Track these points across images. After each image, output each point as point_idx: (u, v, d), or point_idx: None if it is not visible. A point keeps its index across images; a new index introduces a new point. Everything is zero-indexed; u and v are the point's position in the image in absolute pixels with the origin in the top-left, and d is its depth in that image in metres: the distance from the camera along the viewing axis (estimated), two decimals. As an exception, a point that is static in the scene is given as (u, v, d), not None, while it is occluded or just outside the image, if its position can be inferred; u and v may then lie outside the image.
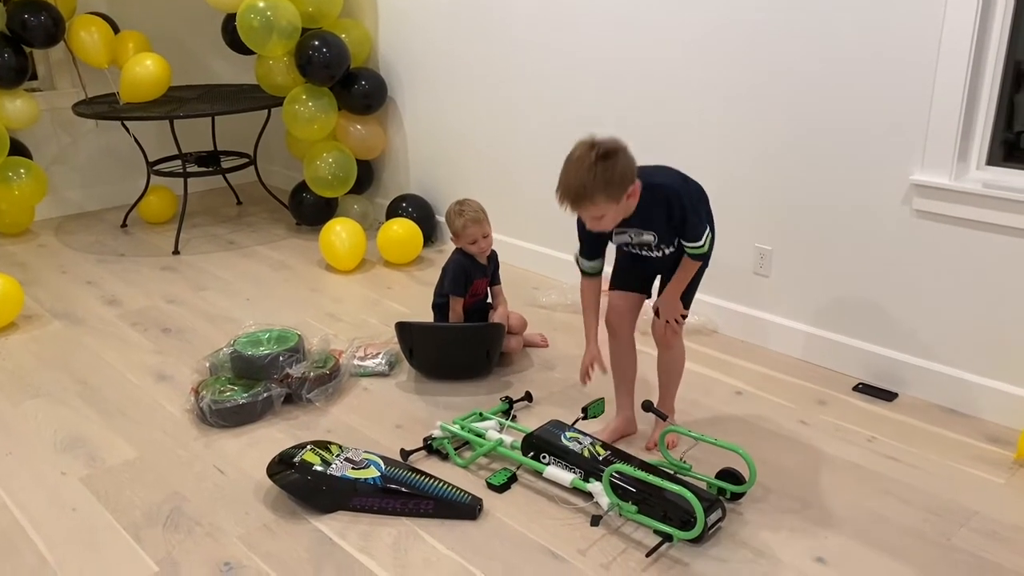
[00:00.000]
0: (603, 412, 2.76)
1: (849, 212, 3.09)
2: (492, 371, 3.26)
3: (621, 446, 2.65)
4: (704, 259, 2.48)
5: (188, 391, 3.03)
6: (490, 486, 2.53)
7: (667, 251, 2.50)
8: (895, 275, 3.03)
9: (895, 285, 3.04)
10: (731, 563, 2.22)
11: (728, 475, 2.46)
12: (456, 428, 2.75)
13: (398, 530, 2.37)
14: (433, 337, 3.19)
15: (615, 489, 2.34)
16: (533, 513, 2.44)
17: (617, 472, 2.31)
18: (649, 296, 2.70)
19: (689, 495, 2.18)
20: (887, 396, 3.06)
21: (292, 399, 3.02)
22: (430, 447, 2.72)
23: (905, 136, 2.88)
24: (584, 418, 2.73)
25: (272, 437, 2.84)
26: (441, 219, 4.76)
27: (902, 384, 3.08)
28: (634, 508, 2.31)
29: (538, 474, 2.54)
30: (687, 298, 2.58)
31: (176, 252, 4.66)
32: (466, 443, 2.74)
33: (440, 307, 3.36)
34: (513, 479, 2.56)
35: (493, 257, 3.39)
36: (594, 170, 2.13)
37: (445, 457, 2.71)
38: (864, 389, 3.12)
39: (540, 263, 4.29)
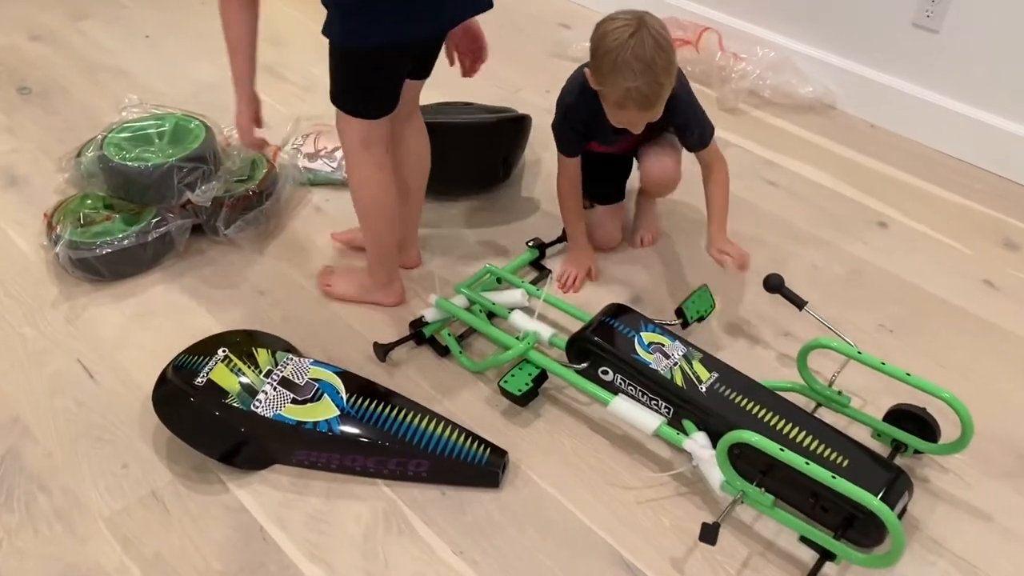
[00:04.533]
0: (712, 310, 1.75)
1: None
2: (509, 181, 2.16)
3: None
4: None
5: (43, 217, 1.94)
6: (505, 393, 1.58)
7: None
8: None
9: None
10: (926, 593, 1.34)
11: (907, 417, 1.51)
12: (460, 304, 1.73)
13: (372, 509, 1.44)
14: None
15: (732, 454, 1.39)
16: (588, 472, 1.50)
17: (741, 443, 1.33)
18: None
19: (881, 508, 1.23)
20: (1107, 235, 2.04)
21: (204, 231, 1.96)
22: (420, 336, 1.72)
23: None
24: (683, 323, 1.72)
25: (171, 304, 1.82)
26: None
27: None
28: (769, 500, 1.37)
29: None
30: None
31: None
32: (475, 330, 1.73)
33: None
34: (542, 379, 1.61)
35: None
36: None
37: (445, 352, 1.72)
38: (1070, 220, 2.08)
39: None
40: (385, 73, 1.54)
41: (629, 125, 1.66)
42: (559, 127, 1.81)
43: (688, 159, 1.84)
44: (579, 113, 1.75)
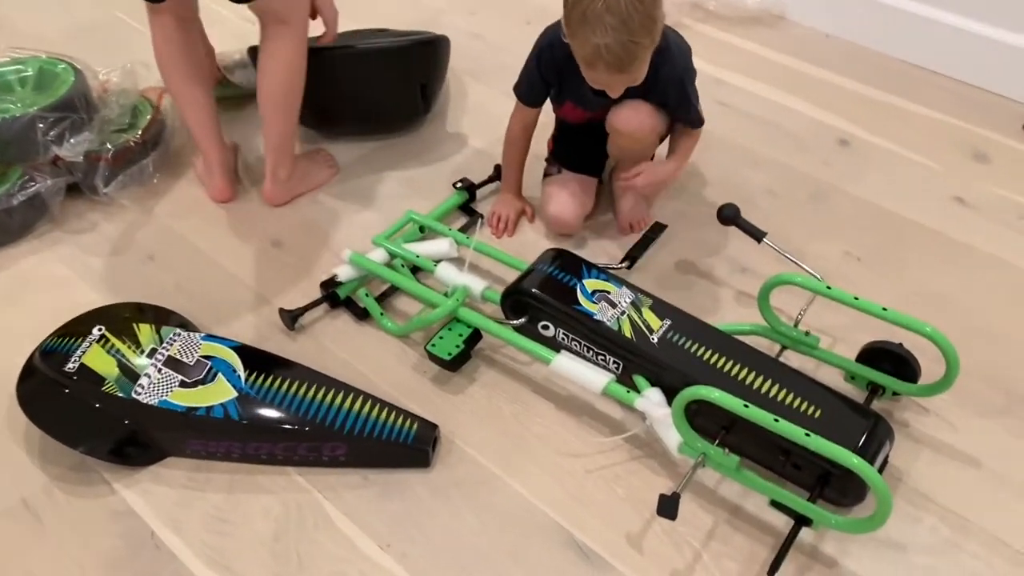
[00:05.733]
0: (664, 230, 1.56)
1: None
2: (428, 117, 1.93)
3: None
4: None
5: None
6: (434, 357, 1.39)
7: None
8: None
9: None
10: (915, 550, 1.18)
11: (883, 356, 1.34)
12: (379, 258, 1.52)
13: (282, 502, 1.24)
14: (325, 63, 1.76)
15: (690, 410, 1.21)
16: (532, 442, 1.32)
17: (699, 400, 1.15)
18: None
19: (865, 468, 1.06)
20: (1082, 141, 1.88)
21: (82, 191, 1.71)
22: (335, 297, 1.51)
23: None
24: (628, 266, 1.52)
25: (42, 279, 1.58)
26: None
27: (1106, 118, 1.89)
28: (734, 461, 1.20)
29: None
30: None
31: None
32: (397, 288, 1.52)
33: None
34: (475, 339, 1.42)
35: None
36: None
37: (364, 315, 1.51)
38: (1042, 128, 1.92)
39: None
40: None
41: (605, 87, 1.42)
42: (525, 67, 1.55)
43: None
44: (553, 58, 1.49)
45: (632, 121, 1.51)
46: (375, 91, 1.81)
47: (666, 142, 1.64)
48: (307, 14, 1.59)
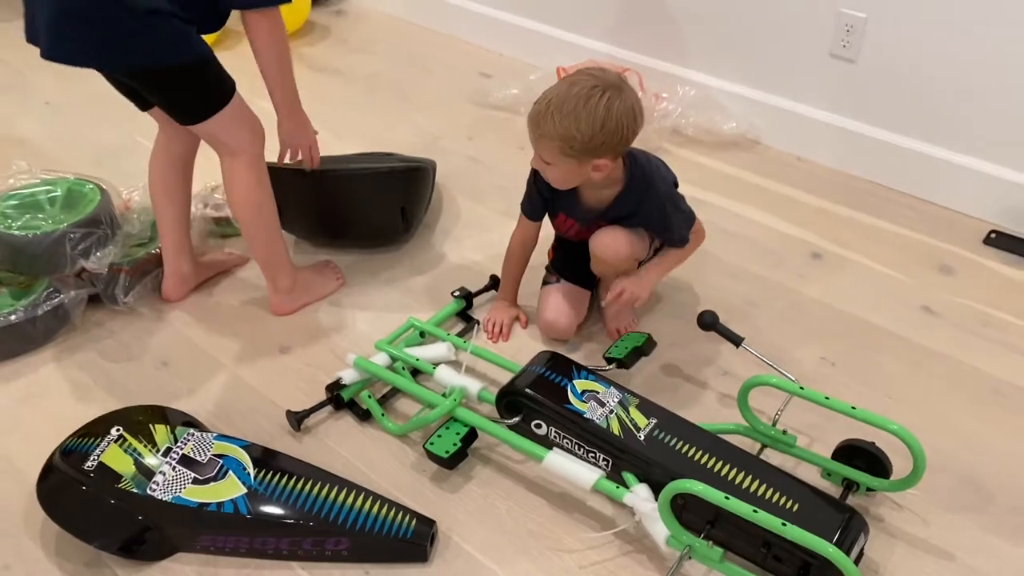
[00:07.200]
0: (644, 341, 1.66)
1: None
2: (413, 234, 2.07)
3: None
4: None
5: (-79, 294, 1.78)
6: (432, 455, 1.46)
7: None
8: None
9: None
10: (893, 645, 1.24)
11: (856, 453, 1.42)
12: (381, 362, 1.61)
13: (286, 596, 1.30)
14: (310, 188, 1.90)
15: (676, 505, 1.28)
16: (525, 538, 1.38)
17: (684, 493, 1.23)
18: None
19: (836, 554, 1.13)
20: (1039, 254, 2.01)
21: (102, 301, 1.81)
22: (339, 400, 1.59)
23: None
24: (619, 365, 1.63)
25: (64, 383, 1.66)
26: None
27: (1060, 233, 2.03)
28: (719, 554, 1.27)
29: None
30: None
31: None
32: (398, 389, 1.61)
33: None
34: (471, 438, 1.49)
35: None
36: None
37: (366, 416, 1.59)
38: (1001, 241, 2.05)
39: (492, 34, 2.94)
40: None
41: (539, 167, 1.57)
42: (527, 184, 1.70)
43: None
44: None
45: (609, 248, 1.63)
46: (358, 210, 1.93)
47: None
48: (254, 138, 1.64)
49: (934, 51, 2.05)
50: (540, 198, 1.68)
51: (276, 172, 1.85)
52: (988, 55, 1.98)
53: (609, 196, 1.61)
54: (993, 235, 2.07)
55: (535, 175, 1.65)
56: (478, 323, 1.81)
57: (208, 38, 1.54)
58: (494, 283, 1.86)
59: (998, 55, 1.96)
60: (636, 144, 1.56)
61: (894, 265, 1.98)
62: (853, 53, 2.19)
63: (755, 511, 1.17)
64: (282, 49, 1.59)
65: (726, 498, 1.18)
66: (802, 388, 1.39)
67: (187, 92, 1.55)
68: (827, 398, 1.36)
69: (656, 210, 1.61)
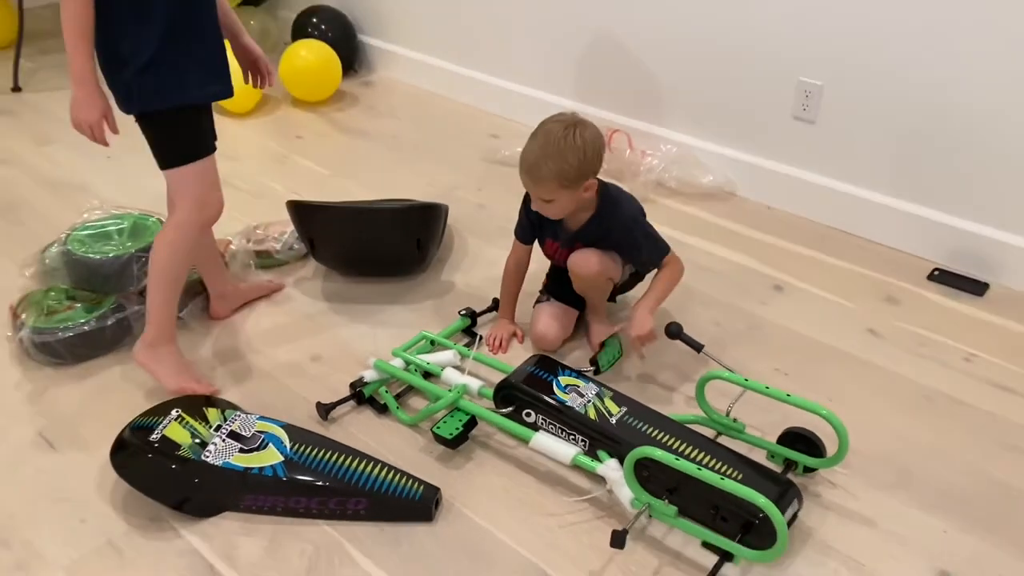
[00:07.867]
0: (620, 357, 1.95)
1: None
2: (427, 266, 2.37)
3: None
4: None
5: (7, 309, 2.09)
6: (438, 437, 1.73)
7: None
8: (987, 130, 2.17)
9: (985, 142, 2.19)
10: (819, 589, 1.48)
11: (797, 439, 1.68)
12: (397, 365, 1.90)
13: (315, 545, 1.56)
14: (340, 223, 2.24)
15: (642, 476, 1.55)
16: (515, 504, 1.65)
17: (645, 459, 1.50)
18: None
19: (758, 498, 1.39)
20: (975, 288, 2.28)
21: (160, 317, 2.12)
22: (360, 395, 1.88)
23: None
24: (596, 370, 1.92)
25: (128, 381, 1.95)
26: (365, 39, 3.71)
27: (994, 270, 2.31)
28: (673, 510, 1.53)
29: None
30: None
31: (16, 88, 3.52)
32: (412, 387, 1.90)
33: None
34: (472, 424, 1.77)
35: None
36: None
37: (383, 409, 1.87)
38: (943, 278, 2.34)
39: (500, 102, 3.31)
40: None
41: (537, 207, 1.88)
42: (520, 211, 2.02)
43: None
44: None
45: (582, 264, 1.92)
46: (380, 243, 2.24)
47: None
48: (198, 207, 1.80)
49: (882, 112, 2.37)
50: (529, 223, 2.00)
51: (311, 210, 2.19)
52: (931, 116, 2.30)
53: (584, 218, 1.91)
54: (936, 272, 2.35)
55: (526, 206, 1.96)
56: (481, 337, 2.10)
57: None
58: (496, 305, 2.16)
59: (940, 117, 2.28)
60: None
61: (846, 295, 2.27)
62: (812, 115, 2.51)
63: (699, 469, 1.43)
64: (68, 15, 1.60)
65: (676, 459, 1.45)
66: (746, 380, 1.67)
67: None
68: (767, 388, 1.64)
69: (624, 232, 1.90)
